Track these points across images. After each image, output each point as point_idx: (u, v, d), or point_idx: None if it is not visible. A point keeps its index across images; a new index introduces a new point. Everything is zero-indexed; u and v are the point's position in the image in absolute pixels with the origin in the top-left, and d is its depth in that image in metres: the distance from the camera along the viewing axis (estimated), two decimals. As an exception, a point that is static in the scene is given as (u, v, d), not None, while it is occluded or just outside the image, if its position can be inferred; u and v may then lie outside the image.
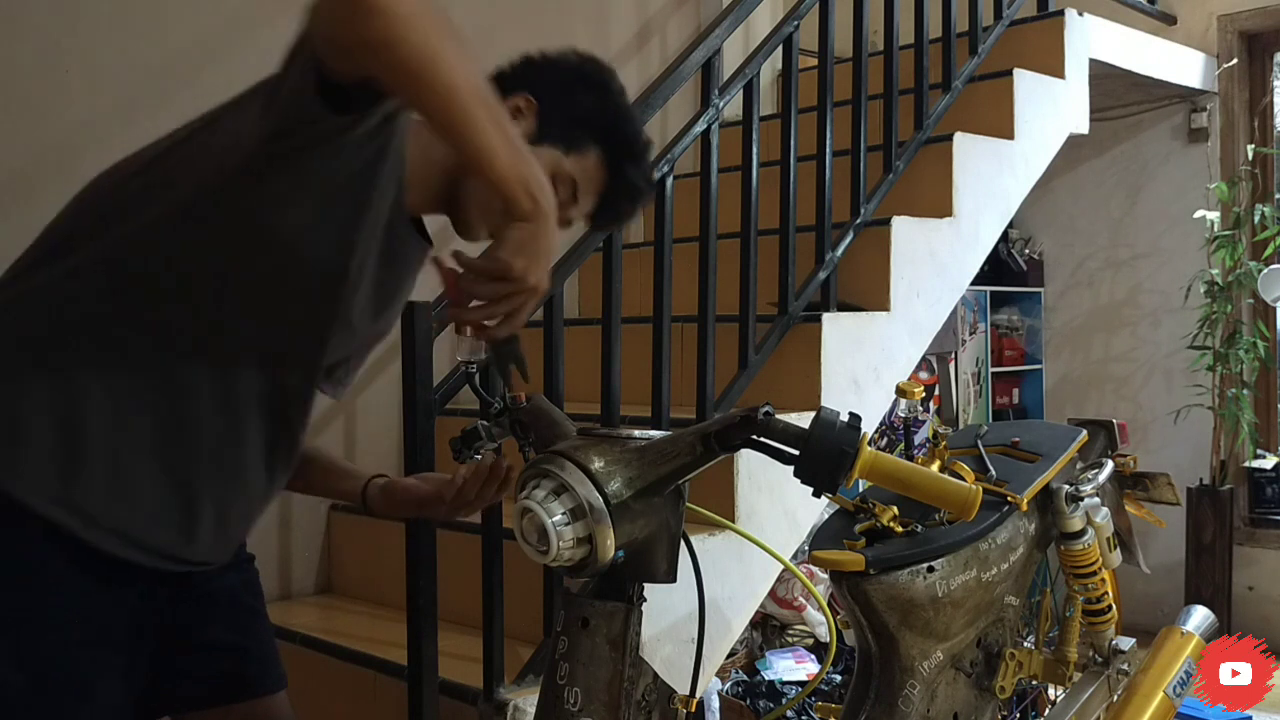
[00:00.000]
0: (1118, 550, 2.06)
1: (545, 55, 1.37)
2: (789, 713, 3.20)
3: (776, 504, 2.27)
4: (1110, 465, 2.07)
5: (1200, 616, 2.18)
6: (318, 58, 1.03)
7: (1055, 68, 3.37)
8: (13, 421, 1.13)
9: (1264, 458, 4.51)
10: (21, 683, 1.12)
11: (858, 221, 2.64)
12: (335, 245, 1.17)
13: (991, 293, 4.89)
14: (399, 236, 1.27)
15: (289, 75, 1.09)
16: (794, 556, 2.67)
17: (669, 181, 2.16)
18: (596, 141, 1.33)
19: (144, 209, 1.17)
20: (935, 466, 1.86)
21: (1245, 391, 4.35)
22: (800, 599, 3.60)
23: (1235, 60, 4.49)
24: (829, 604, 2.66)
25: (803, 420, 1.14)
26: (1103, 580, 2.01)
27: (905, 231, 2.67)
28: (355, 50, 0.99)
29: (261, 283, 1.17)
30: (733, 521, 2.15)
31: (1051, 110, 3.31)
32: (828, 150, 2.57)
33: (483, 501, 1.39)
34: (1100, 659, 2.08)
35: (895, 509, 1.73)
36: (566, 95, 1.33)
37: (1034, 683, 2.28)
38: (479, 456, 1.40)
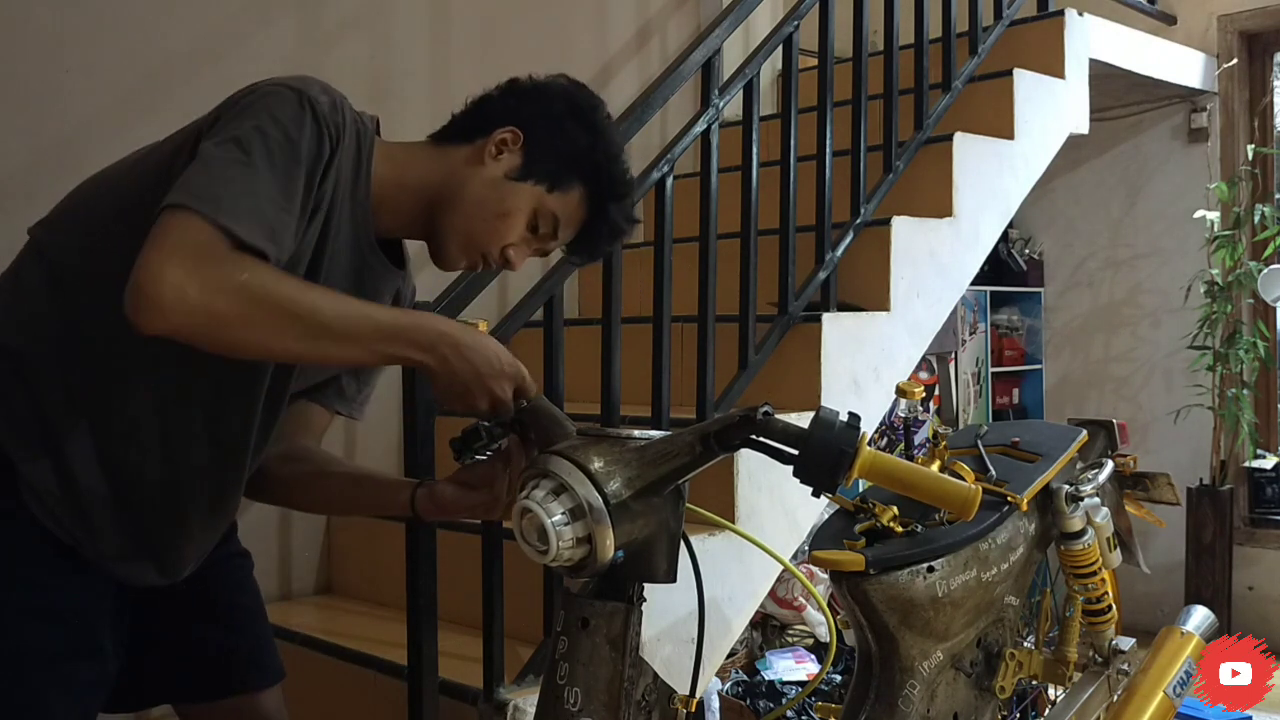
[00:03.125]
0: (1118, 550, 2.06)
1: (534, 83, 1.32)
2: (789, 713, 3.20)
3: (776, 504, 2.27)
4: (1110, 465, 2.07)
5: (1200, 616, 2.17)
6: None
7: (1055, 68, 3.37)
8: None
9: (1264, 458, 4.51)
10: None
11: (858, 221, 2.64)
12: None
13: (991, 293, 4.89)
14: (365, 256, 1.27)
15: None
16: (794, 556, 2.67)
17: (669, 181, 2.16)
18: (582, 180, 1.30)
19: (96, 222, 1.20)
20: (935, 466, 1.85)
21: (1245, 391, 4.35)
22: (800, 599, 3.60)
23: (1235, 60, 4.49)
24: (829, 604, 2.66)
25: (803, 420, 1.14)
26: (1103, 580, 2.01)
27: (905, 231, 2.67)
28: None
29: None
30: (733, 521, 2.15)
31: (1051, 110, 3.31)
32: (828, 150, 2.56)
33: None
34: (1100, 659, 2.08)
35: (895, 509, 1.73)
36: (554, 130, 1.29)
37: (1034, 683, 2.27)
38: (480, 457, 1.39)
